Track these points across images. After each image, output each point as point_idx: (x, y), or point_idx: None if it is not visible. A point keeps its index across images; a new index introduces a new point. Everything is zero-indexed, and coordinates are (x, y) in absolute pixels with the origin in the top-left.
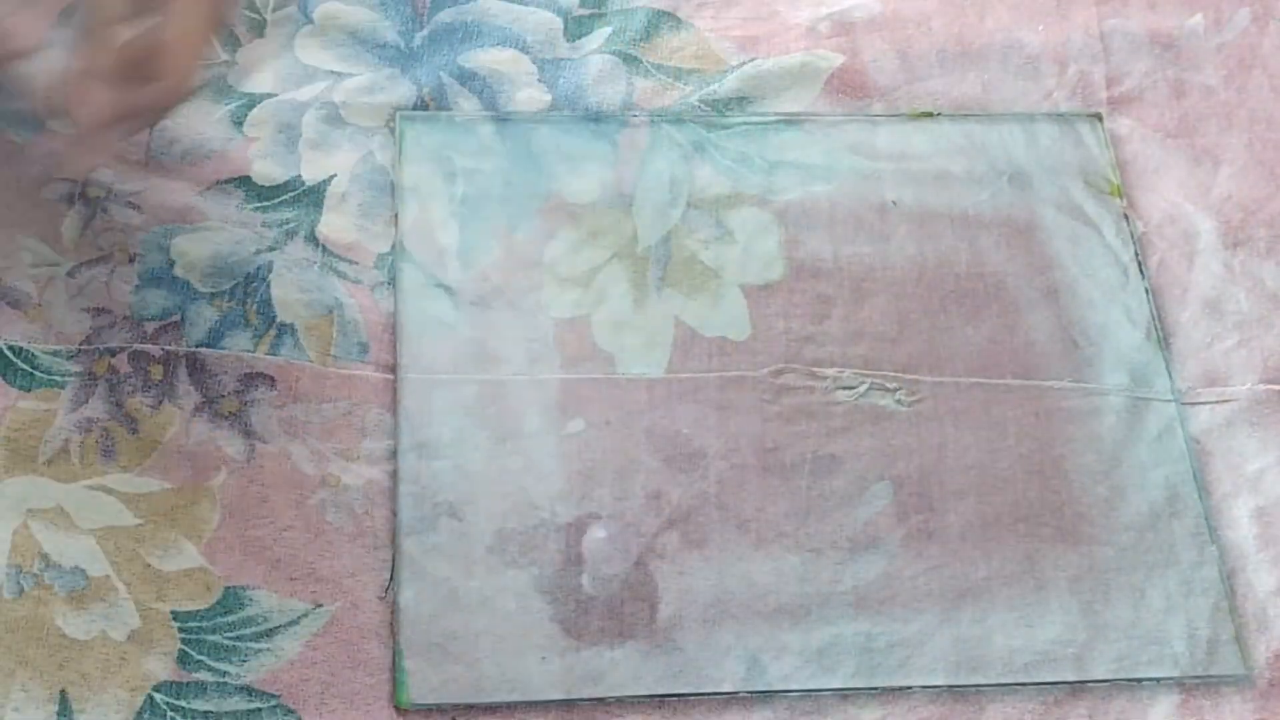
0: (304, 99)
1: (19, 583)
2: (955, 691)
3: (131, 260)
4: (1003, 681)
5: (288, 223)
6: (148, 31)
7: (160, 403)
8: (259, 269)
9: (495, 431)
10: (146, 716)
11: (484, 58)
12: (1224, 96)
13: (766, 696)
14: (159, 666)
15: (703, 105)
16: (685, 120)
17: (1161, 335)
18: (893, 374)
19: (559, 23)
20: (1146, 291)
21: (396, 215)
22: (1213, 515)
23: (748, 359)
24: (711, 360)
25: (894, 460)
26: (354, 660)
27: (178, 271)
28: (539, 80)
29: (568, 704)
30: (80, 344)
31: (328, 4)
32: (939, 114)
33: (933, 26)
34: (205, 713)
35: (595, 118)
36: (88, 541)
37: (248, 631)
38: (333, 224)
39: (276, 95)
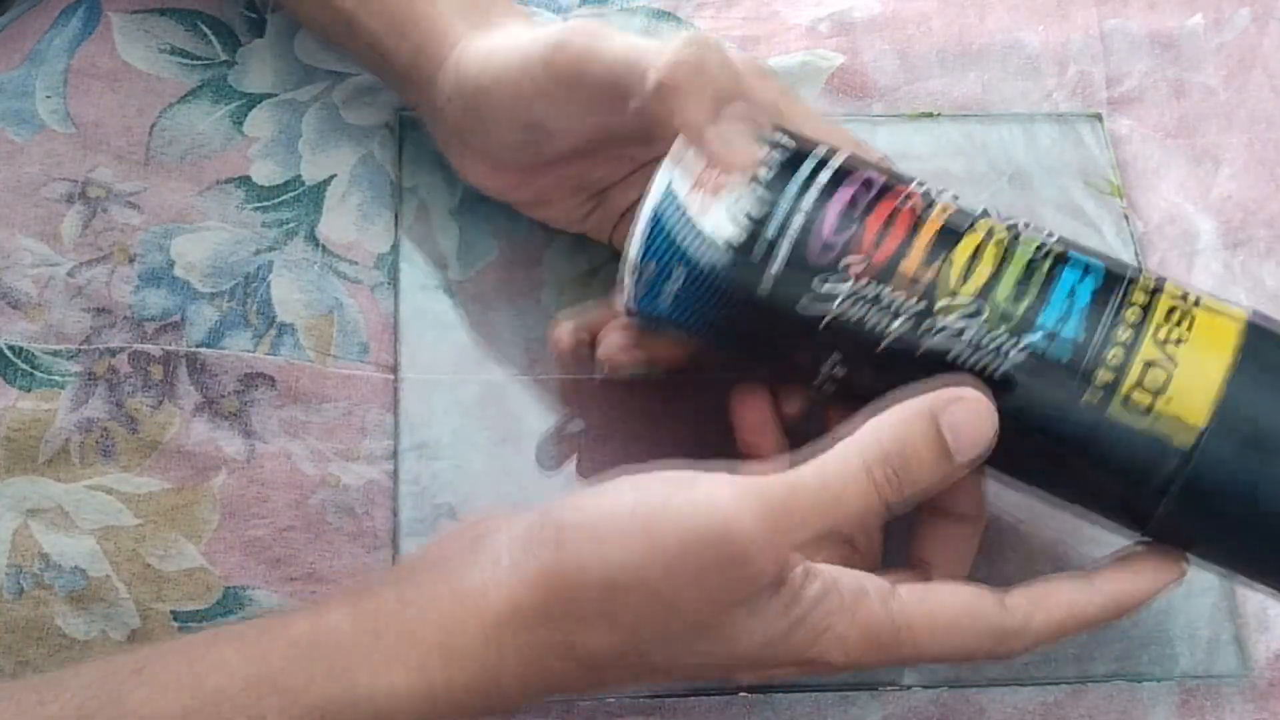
0: (304, 99)
1: (19, 583)
2: (955, 691)
3: (131, 260)
4: (1003, 681)
5: (288, 223)
6: None
7: (160, 403)
8: (259, 269)
9: (495, 431)
10: None
11: None
12: (1224, 96)
13: (767, 696)
14: None
15: None
16: None
17: None
18: None
19: (559, 23)
20: None
21: (396, 215)
22: None
23: None
24: None
25: None
26: None
27: (178, 271)
28: None
29: (568, 704)
30: (80, 344)
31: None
32: (939, 114)
33: (933, 26)
34: None
35: None
36: (88, 541)
37: None
38: (333, 224)
39: (276, 95)
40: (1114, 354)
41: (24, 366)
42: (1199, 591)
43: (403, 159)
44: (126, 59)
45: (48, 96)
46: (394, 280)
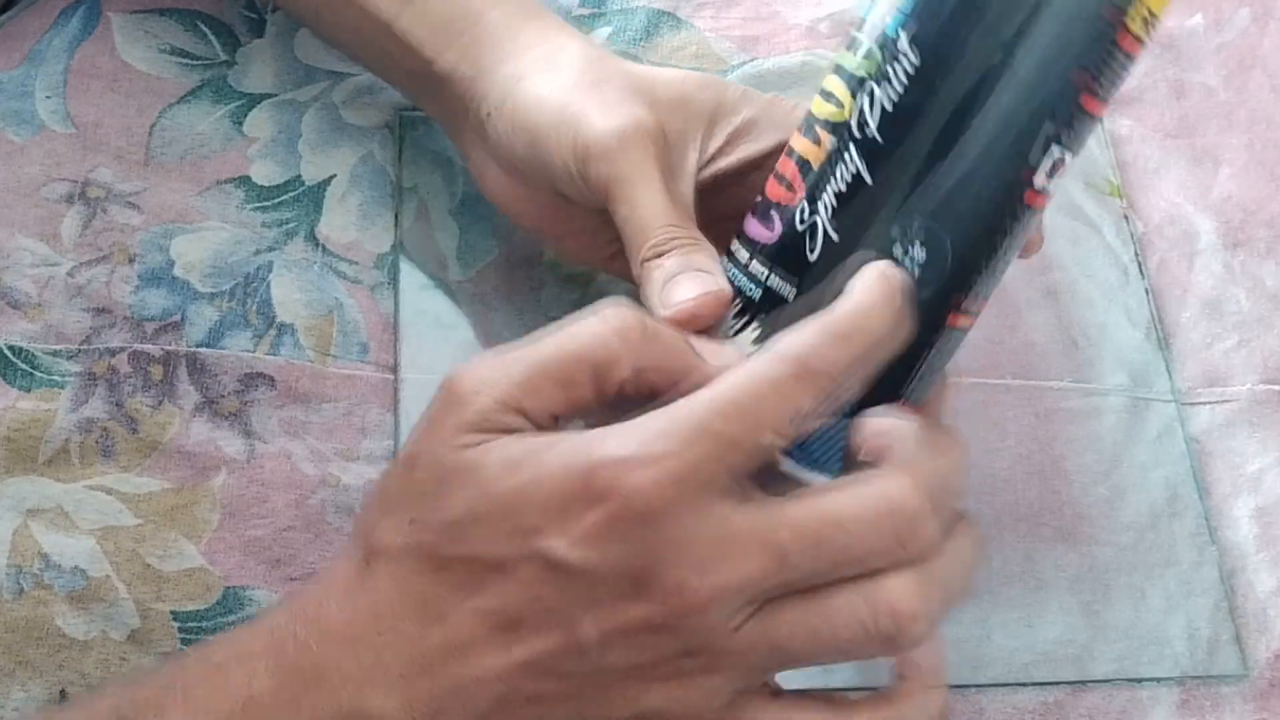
0: (304, 99)
1: (19, 583)
2: (955, 691)
3: (131, 260)
4: (1003, 681)
5: (288, 223)
6: None
7: (160, 403)
8: (259, 269)
9: None
10: None
11: None
12: (1224, 96)
13: None
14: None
15: None
16: None
17: (1161, 335)
18: None
19: None
20: (1146, 292)
21: (396, 215)
22: (1213, 515)
23: None
24: None
25: None
26: None
27: (178, 271)
28: None
29: None
30: (80, 344)
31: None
32: None
33: None
34: None
35: None
36: (88, 541)
37: None
38: (333, 224)
39: (276, 95)
40: None
41: (24, 366)
42: (1199, 591)
43: (403, 159)
44: (126, 59)
45: (48, 96)
46: (394, 280)
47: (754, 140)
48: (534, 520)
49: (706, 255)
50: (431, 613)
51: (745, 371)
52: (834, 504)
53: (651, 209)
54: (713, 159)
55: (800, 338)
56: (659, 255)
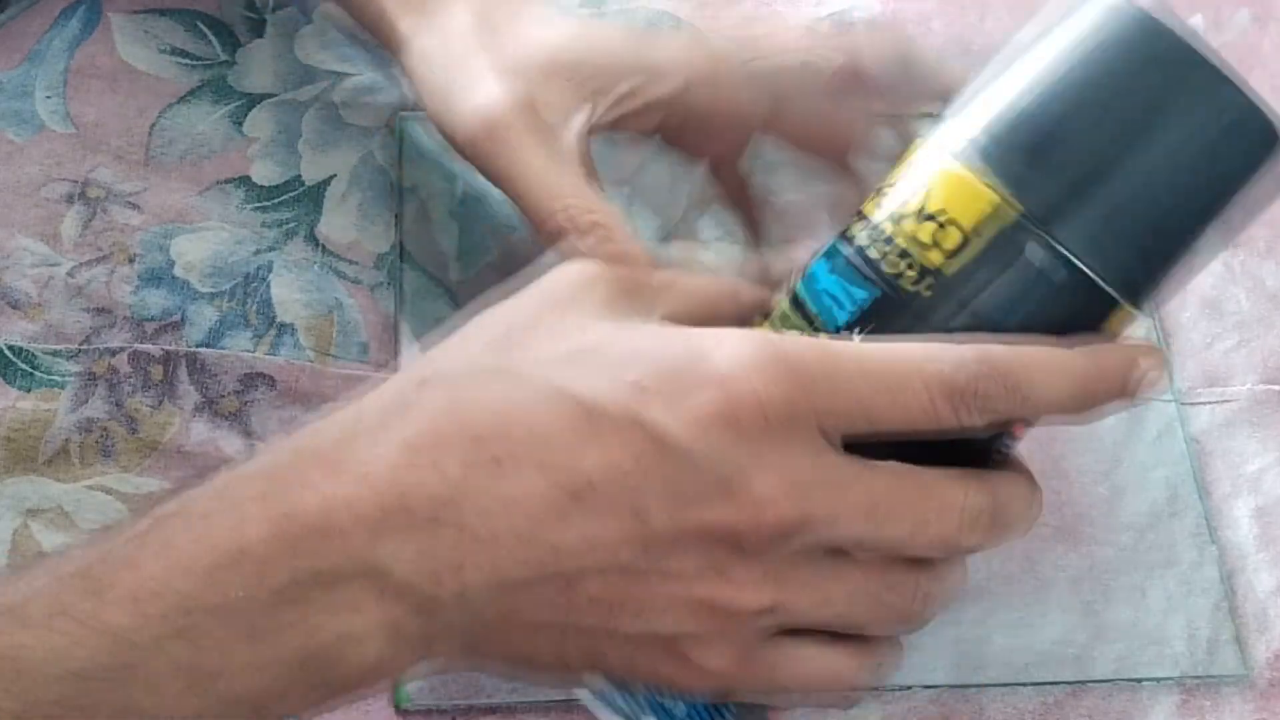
0: (304, 99)
1: None
2: (955, 691)
3: (131, 260)
4: (1003, 681)
5: (288, 223)
6: None
7: (160, 403)
8: (259, 269)
9: None
10: None
11: None
12: None
13: (766, 695)
14: None
15: None
16: None
17: (1161, 335)
18: None
19: None
20: None
21: (396, 215)
22: (1213, 515)
23: None
24: None
25: None
26: None
27: (178, 271)
28: None
29: (567, 704)
30: (80, 344)
31: (327, 4)
32: (939, 115)
33: (933, 26)
34: None
35: None
36: None
37: None
38: (333, 224)
39: (276, 95)
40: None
41: (24, 366)
42: (1199, 591)
43: (403, 159)
44: (126, 59)
45: (48, 96)
46: (394, 280)
47: (655, 88)
48: (642, 377)
49: (611, 236)
50: (483, 452)
51: (925, 355)
52: (933, 482)
53: (536, 192)
54: (615, 105)
55: (1014, 349)
56: (562, 232)
